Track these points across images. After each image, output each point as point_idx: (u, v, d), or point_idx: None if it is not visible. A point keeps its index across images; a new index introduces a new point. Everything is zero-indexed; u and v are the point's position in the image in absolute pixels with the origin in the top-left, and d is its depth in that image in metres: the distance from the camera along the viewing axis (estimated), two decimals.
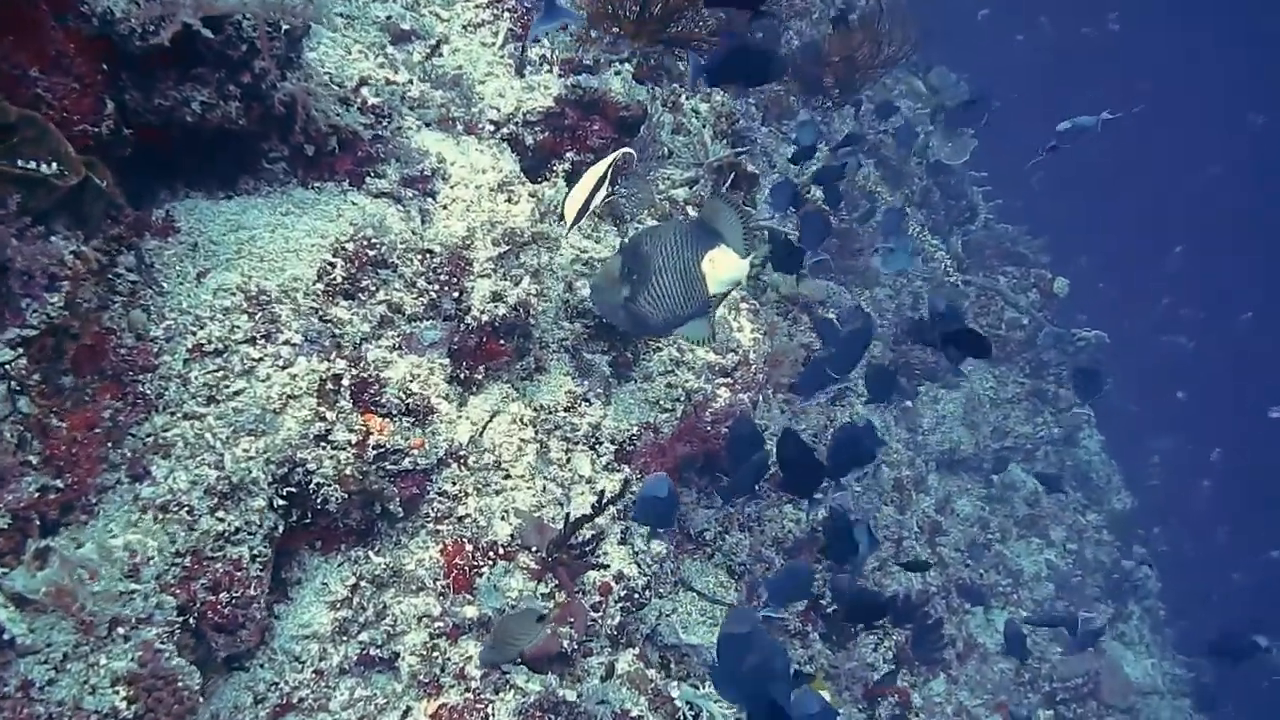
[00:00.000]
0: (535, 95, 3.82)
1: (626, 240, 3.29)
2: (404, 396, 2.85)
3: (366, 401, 2.77)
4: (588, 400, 3.61)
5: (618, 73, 3.99)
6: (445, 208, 3.23)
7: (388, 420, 2.78)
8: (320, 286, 2.82)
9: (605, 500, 3.11)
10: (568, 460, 3.49)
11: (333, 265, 2.86)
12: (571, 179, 3.88)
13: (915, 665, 6.99)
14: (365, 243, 2.92)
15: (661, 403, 3.80)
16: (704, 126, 5.37)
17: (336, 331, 2.81)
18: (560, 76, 3.90)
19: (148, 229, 2.74)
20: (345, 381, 2.70)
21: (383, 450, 2.74)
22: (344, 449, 2.66)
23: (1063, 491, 10.33)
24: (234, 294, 2.66)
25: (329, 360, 2.71)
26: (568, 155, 3.91)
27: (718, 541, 4.41)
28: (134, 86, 2.60)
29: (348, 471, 2.65)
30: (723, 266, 3.03)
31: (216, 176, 2.95)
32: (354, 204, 3.06)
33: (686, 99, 5.34)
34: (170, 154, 2.79)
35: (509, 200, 3.33)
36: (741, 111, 6.38)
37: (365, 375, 2.78)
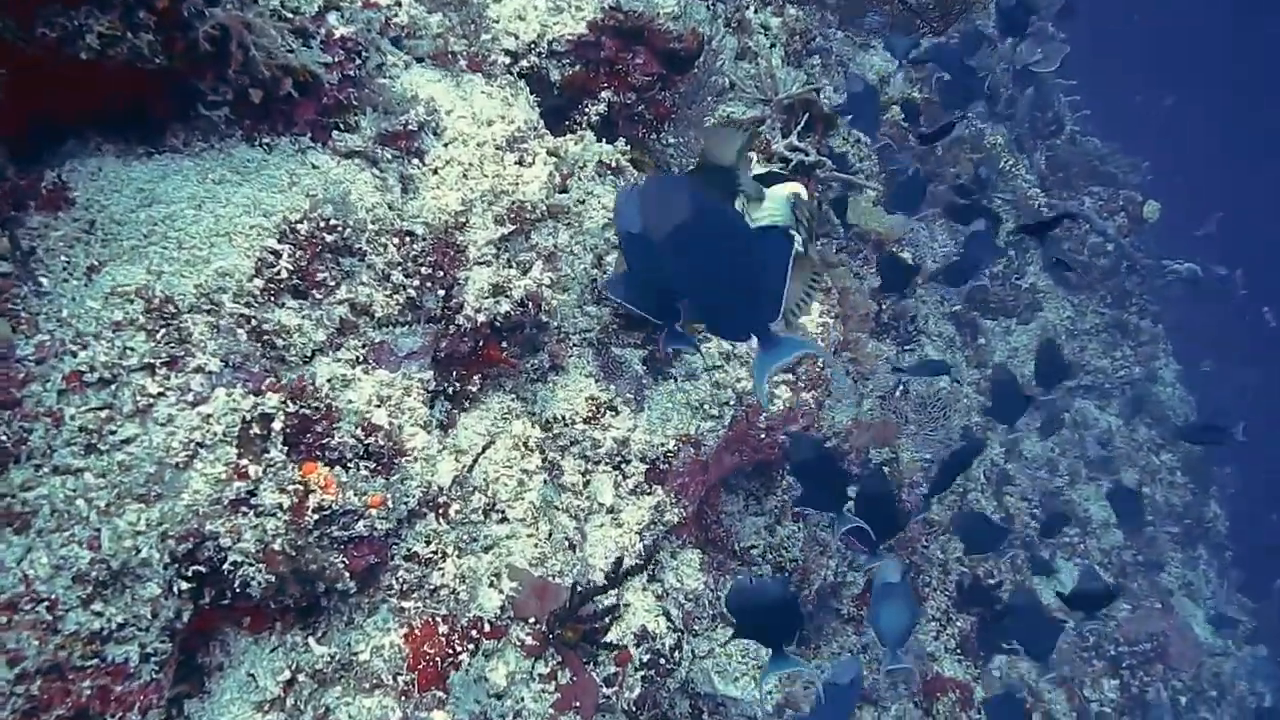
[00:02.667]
0: (565, 18, 3.05)
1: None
2: (363, 434, 2.16)
3: (310, 445, 2.09)
4: (614, 409, 2.91)
5: None
6: (436, 172, 2.51)
7: (338, 470, 2.10)
8: (258, 284, 2.12)
9: (624, 571, 2.43)
10: (585, 484, 2.82)
11: (277, 254, 2.16)
12: (606, 123, 3.13)
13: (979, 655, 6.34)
14: (323, 222, 2.22)
15: (706, 407, 3.09)
16: (773, 47, 4.55)
17: (278, 344, 2.13)
18: None
19: (32, 200, 2.07)
20: (276, 424, 2.01)
21: (328, 513, 2.06)
22: (272, 515, 1.98)
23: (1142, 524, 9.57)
24: (131, 300, 1.97)
25: (258, 393, 2.02)
26: (603, 94, 3.16)
27: (767, 557, 3.72)
28: (6, 10, 1.90)
29: (276, 546, 1.98)
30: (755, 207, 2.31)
31: (137, 127, 2.25)
32: (313, 168, 2.35)
33: (754, 11, 4.52)
34: (72, 99, 2.10)
35: (520, 162, 2.60)
36: (817, 28, 5.53)
37: (311, 408, 2.09)
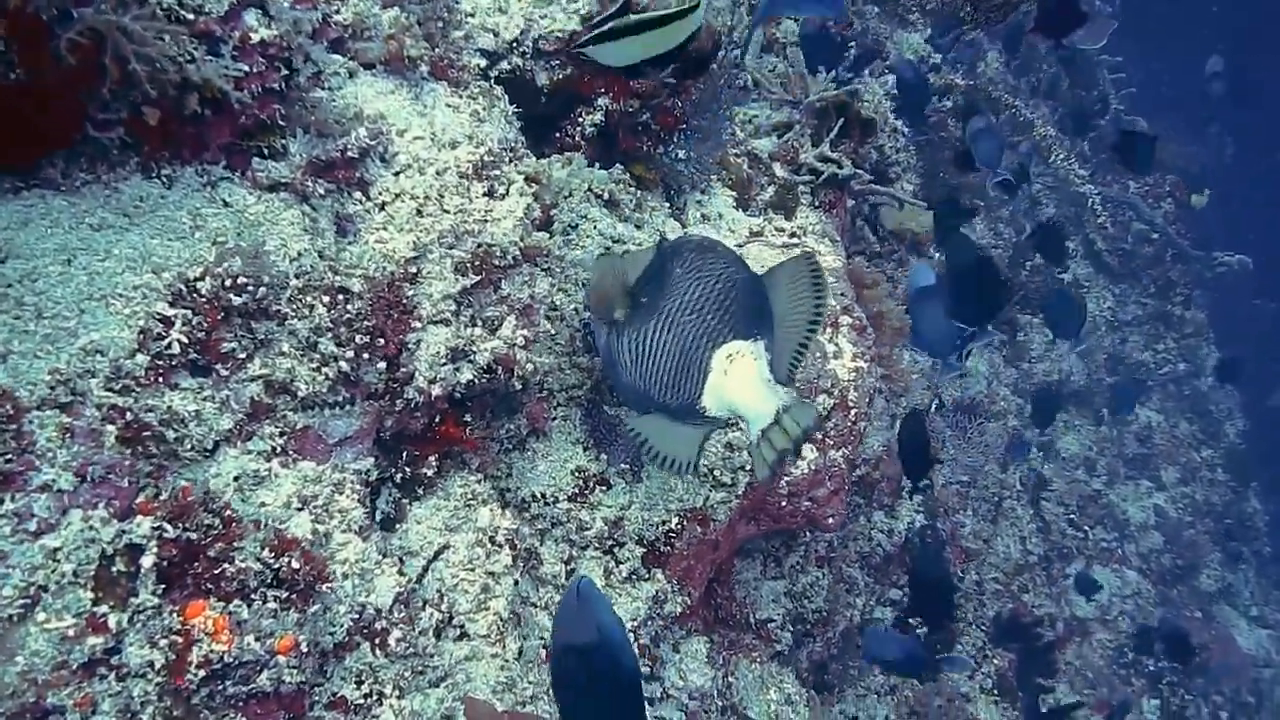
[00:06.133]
0: (554, 11, 2.56)
1: (668, 240, 2.10)
2: (272, 554, 1.69)
3: (198, 577, 1.62)
4: (605, 482, 2.44)
5: None
6: (383, 208, 2.03)
7: (235, 608, 1.63)
8: (140, 361, 1.66)
9: None
10: (569, 575, 2.34)
11: (168, 321, 1.70)
12: (604, 135, 2.64)
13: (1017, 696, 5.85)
14: (230, 280, 1.75)
15: (717, 473, 2.61)
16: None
17: (168, 438, 1.67)
18: None
19: None
20: (148, 559, 1.54)
21: (218, 667, 1.59)
22: (140, 677, 1.53)
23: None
24: None
25: (125, 515, 1.56)
26: (599, 101, 2.66)
27: (785, 629, 3.24)
28: None
29: (145, 717, 1.52)
30: (737, 380, 1.87)
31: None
32: (224, 205, 1.88)
33: None
34: None
35: (490, 193, 2.12)
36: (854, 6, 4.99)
37: (199, 527, 1.62)
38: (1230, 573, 9.90)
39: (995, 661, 5.69)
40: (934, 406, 6.19)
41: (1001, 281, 3.65)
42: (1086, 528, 8.39)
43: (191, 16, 1.77)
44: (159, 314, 1.70)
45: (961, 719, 5.40)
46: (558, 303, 2.44)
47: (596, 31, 2.14)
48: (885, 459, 4.75)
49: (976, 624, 5.77)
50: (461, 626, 2.04)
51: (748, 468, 2.66)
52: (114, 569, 1.52)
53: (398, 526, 2.06)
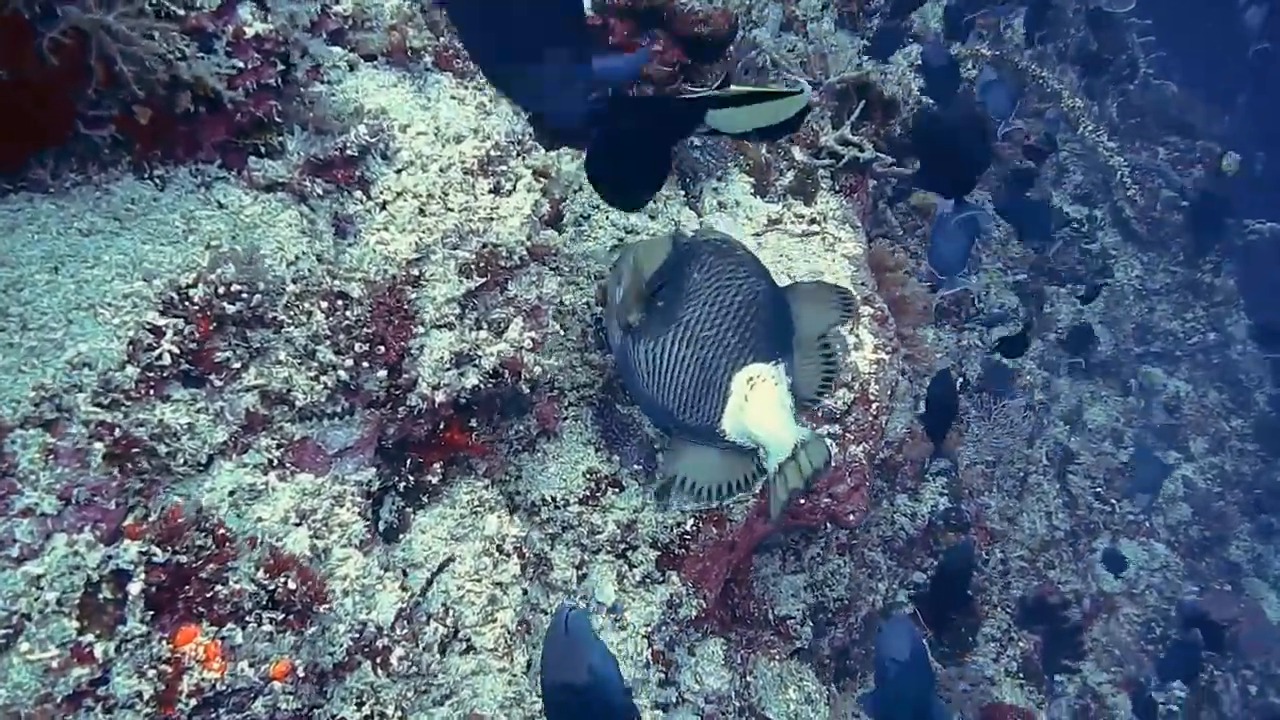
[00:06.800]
0: None
1: (684, 236, 2.02)
2: (269, 573, 1.63)
3: (190, 601, 1.56)
4: (617, 484, 2.37)
5: None
6: (384, 207, 1.95)
7: (228, 632, 1.57)
8: (130, 374, 1.59)
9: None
10: (580, 580, 2.28)
11: (159, 331, 1.63)
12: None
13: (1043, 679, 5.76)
14: (224, 286, 1.68)
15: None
16: (825, 9, 3.92)
17: (160, 452, 1.61)
18: None
19: None
20: (135, 586, 1.49)
21: (210, 696, 1.54)
22: (129, 709, 1.47)
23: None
24: None
25: (112, 538, 1.50)
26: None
27: (805, 624, 3.17)
28: None
29: None
30: (758, 407, 1.80)
31: None
32: (219, 207, 1.81)
33: None
34: None
35: (496, 189, 2.04)
36: None
37: (191, 549, 1.56)
38: (1260, 544, 9.79)
39: (1021, 644, 5.60)
40: (958, 384, 6.09)
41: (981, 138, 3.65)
42: (1114, 501, 8.32)
43: (182, 12, 1.69)
44: (150, 323, 1.63)
45: (986, 702, 5.33)
46: (568, 299, 2.36)
47: (710, 94, 2.09)
48: (909, 441, 4.67)
49: (1002, 606, 5.68)
50: (468, 640, 1.98)
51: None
52: (100, 596, 1.46)
53: (401, 537, 2.00)
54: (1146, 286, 9.78)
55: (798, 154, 3.14)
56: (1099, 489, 8.16)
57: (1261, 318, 9.63)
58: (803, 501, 2.73)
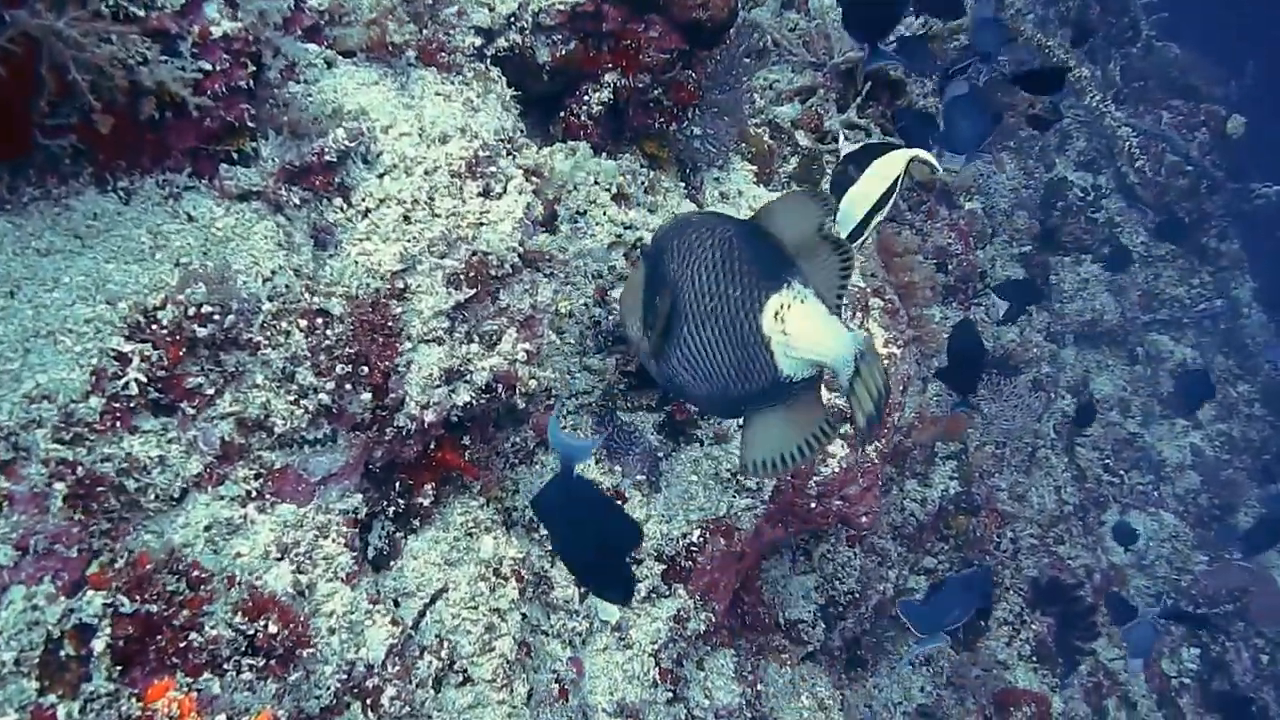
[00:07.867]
0: None
1: (646, 244, 1.91)
2: (248, 616, 1.53)
3: (162, 652, 1.46)
4: (620, 496, 2.26)
5: None
6: (366, 215, 1.83)
7: (205, 682, 1.47)
8: (94, 405, 1.48)
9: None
10: (583, 598, 2.18)
11: (124, 358, 1.52)
12: (614, 112, 2.44)
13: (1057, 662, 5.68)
14: (194, 307, 1.57)
15: (742, 478, 2.43)
16: None
17: (128, 489, 1.50)
18: None
19: None
20: (99, 643, 1.38)
21: None
22: None
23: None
24: None
25: (74, 588, 1.39)
26: (607, 78, 2.45)
27: (817, 626, 3.07)
28: None
29: None
30: (797, 329, 1.68)
31: None
32: (189, 220, 1.69)
33: None
34: None
35: (485, 192, 1.92)
36: None
37: (163, 595, 1.46)
38: (1269, 508, 9.73)
39: (1034, 627, 5.52)
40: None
41: None
42: (1122, 472, 8.24)
43: (142, 13, 1.57)
44: (115, 350, 1.52)
45: (1000, 687, 5.26)
46: (564, 304, 2.25)
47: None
48: (917, 426, 4.56)
49: (1014, 588, 5.60)
50: (464, 672, 1.87)
51: None
52: (62, 653, 1.36)
53: (392, 564, 1.89)
54: (1152, 253, 9.68)
55: (802, 139, 3.01)
56: (1107, 460, 8.10)
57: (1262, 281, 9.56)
58: (813, 505, 2.62)
